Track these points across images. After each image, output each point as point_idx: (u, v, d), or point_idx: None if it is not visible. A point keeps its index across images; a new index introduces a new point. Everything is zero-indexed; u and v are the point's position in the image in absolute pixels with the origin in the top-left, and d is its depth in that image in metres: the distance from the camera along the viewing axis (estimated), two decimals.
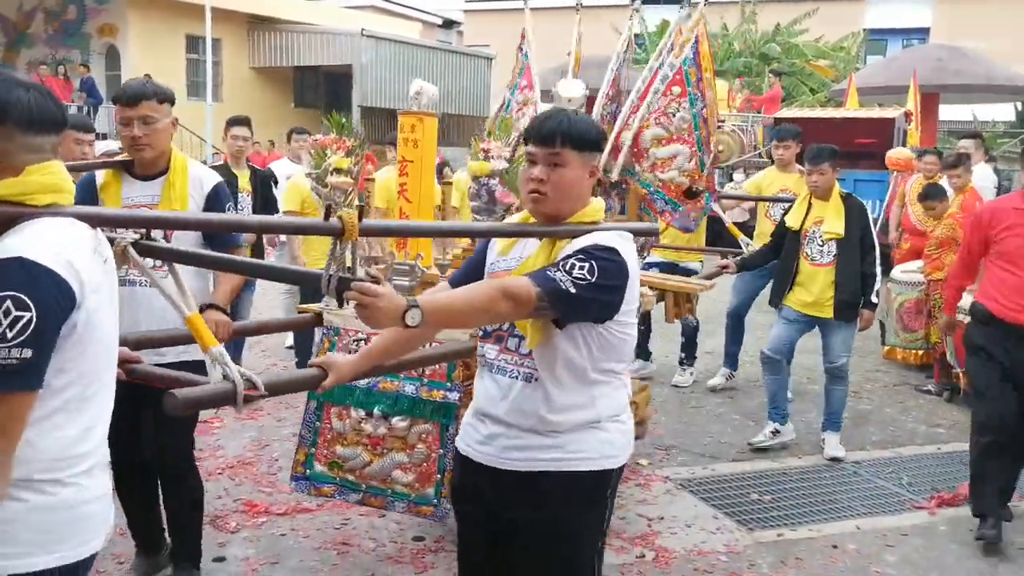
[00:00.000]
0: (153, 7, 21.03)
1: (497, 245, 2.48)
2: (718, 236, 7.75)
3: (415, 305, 1.98)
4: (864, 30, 27.51)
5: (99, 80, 20.31)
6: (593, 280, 2.15)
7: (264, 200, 6.21)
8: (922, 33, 31.44)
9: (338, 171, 3.67)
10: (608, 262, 2.20)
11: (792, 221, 5.33)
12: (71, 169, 2.58)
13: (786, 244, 5.34)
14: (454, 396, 3.50)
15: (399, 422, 3.54)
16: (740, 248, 5.74)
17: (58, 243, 1.76)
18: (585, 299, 2.15)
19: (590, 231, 2.29)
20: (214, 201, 3.37)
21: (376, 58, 23.16)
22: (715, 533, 4.22)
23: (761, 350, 5.49)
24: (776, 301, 5.42)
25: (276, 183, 6.49)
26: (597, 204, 2.40)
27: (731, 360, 6.84)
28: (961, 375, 6.05)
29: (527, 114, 4.69)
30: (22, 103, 1.77)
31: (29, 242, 1.72)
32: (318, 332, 2.67)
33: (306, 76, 25.71)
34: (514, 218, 2.69)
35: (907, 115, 12.80)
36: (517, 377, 2.30)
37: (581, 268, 2.16)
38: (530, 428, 2.28)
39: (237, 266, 3.08)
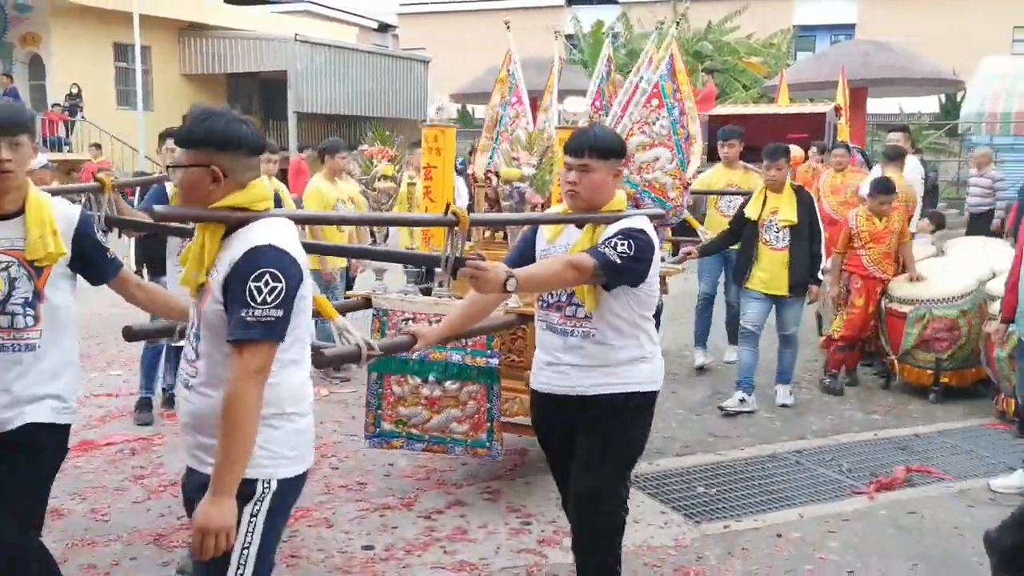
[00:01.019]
0: (78, 15, 20.51)
1: (545, 234, 3.26)
2: (679, 226, 7.95)
3: (512, 276, 2.69)
4: (793, 27, 28.05)
5: (23, 90, 19.73)
6: (632, 253, 2.93)
7: None
8: (849, 29, 32.20)
9: (384, 177, 4.31)
10: (641, 240, 2.98)
11: (751, 212, 6.09)
12: (134, 184, 3.89)
13: (746, 232, 6.12)
14: (495, 361, 4.22)
15: (451, 385, 4.26)
16: (698, 237, 6.27)
17: (288, 236, 2.37)
18: (627, 267, 2.94)
19: (622, 217, 3.07)
20: None
21: (311, 63, 22.95)
22: (663, 528, 4.27)
23: (741, 325, 6.23)
24: (740, 281, 6.23)
25: None
26: (620, 196, 3.16)
27: (702, 341, 7.38)
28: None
29: (520, 125, 5.33)
30: (247, 135, 2.34)
31: (271, 234, 2.32)
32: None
33: (240, 83, 25.34)
34: (555, 209, 3.45)
35: (837, 109, 13.09)
36: (576, 335, 3.09)
37: (622, 245, 2.93)
38: (594, 367, 3.07)
39: (370, 253, 4.15)
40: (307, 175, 13.46)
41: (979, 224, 11.65)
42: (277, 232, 2.35)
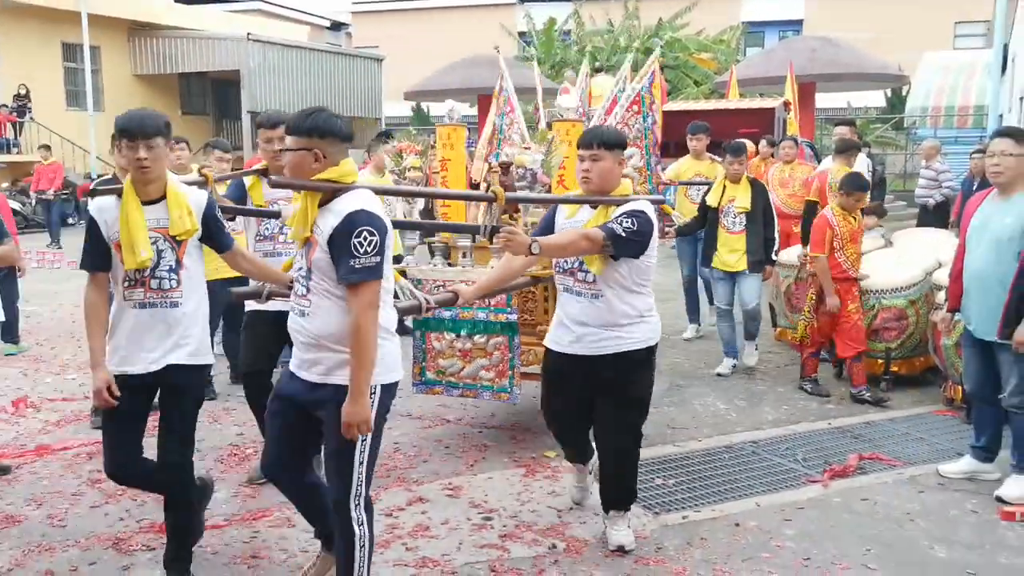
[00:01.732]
0: (25, 14, 20.11)
1: (564, 212, 4.00)
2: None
3: (536, 242, 3.53)
4: (742, 23, 28.38)
5: None
6: (635, 229, 3.66)
7: None
8: (796, 25, 32.66)
9: (413, 168, 5.35)
10: (643, 219, 3.71)
11: (711, 200, 6.93)
12: (226, 178, 4.78)
13: (708, 218, 6.96)
14: (514, 317, 5.01)
15: (479, 338, 5.06)
16: (672, 221, 7.22)
17: (374, 202, 3.13)
18: (631, 240, 3.66)
19: (627, 201, 3.82)
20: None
21: (264, 62, 22.73)
22: None
23: (716, 304, 7.32)
24: (707, 262, 7.13)
25: None
26: (626, 184, 3.97)
27: (694, 317, 8.35)
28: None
29: (516, 130, 6.09)
30: (340, 127, 3.11)
31: (362, 201, 3.06)
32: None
33: (192, 83, 25.04)
34: (573, 194, 4.22)
35: (786, 104, 13.30)
36: (586, 296, 3.81)
37: (627, 222, 3.66)
38: (601, 326, 3.79)
39: (416, 225, 5.53)
40: None
41: (927, 215, 11.88)
42: (366, 200, 3.09)
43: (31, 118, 19.88)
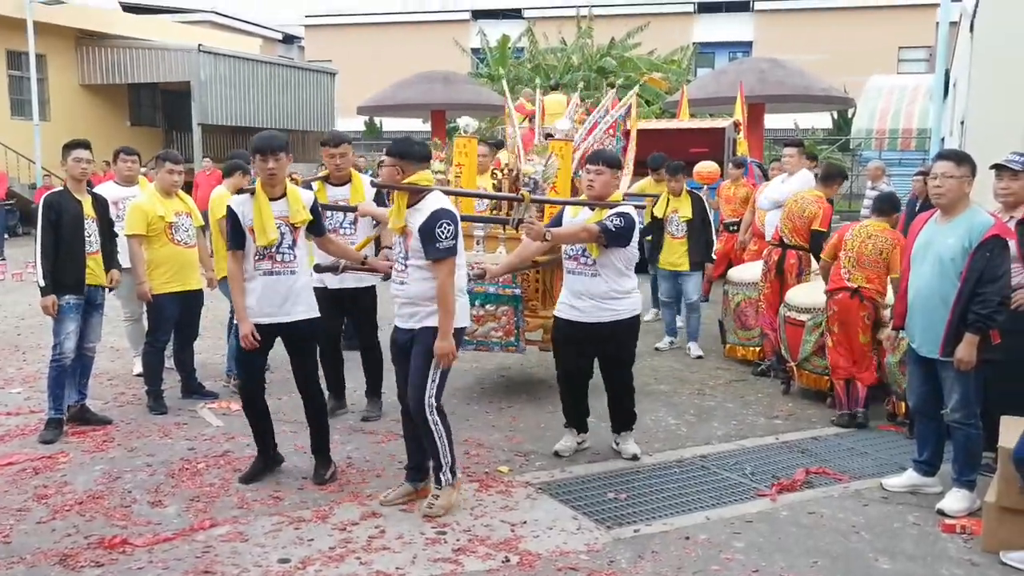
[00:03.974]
0: None
1: (570, 212, 5.32)
2: None
3: (548, 231, 4.96)
4: (693, 44, 28.79)
5: None
6: (623, 225, 4.94)
7: (108, 225, 5.99)
8: (746, 47, 33.27)
9: (438, 172, 5.76)
10: (627, 218, 4.99)
11: (658, 211, 8.37)
12: (304, 182, 5.98)
13: (654, 226, 8.41)
14: (518, 291, 6.32)
15: (490, 307, 6.36)
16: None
17: (448, 201, 4.49)
18: (619, 234, 4.94)
19: (617, 205, 5.07)
20: (377, 200, 5.82)
21: (215, 74, 22.52)
22: (575, 533, 4.35)
23: (660, 297, 8.75)
24: (653, 262, 8.61)
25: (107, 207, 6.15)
26: (618, 193, 5.26)
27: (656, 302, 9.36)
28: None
29: (513, 142, 7.26)
30: (415, 151, 4.52)
31: (440, 201, 4.44)
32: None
33: (142, 93, 24.68)
34: (578, 198, 5.61)
35: (736, 125, 13.51)
36: (587, 275, 5.09)
37: (617, 220, 4.95)
38: (600, 297, 5.07)
39: (471, 219, 6.41)
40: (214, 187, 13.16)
41: None
42: (442, 200, 4.45)
43: None
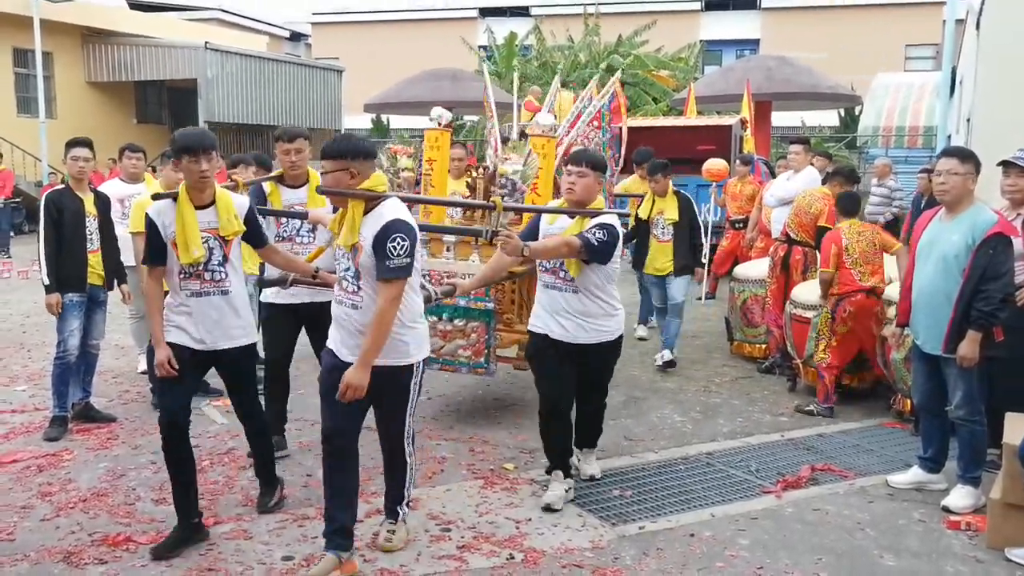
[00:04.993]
0: None
1: (546, 220, 4.73)
2: None
3: (527, 246, 4.22)
4: (700, 42, 28.72)
5: None
6: (605, 239, 4.36)
7: (108, 226, 5.98)
8: (753, 44, 33.20)
9: (406, 169, 5.77)
10: (611, 231, 4.40)
11: (642, 213, 7.62)
12: (250, 183, 5.28)
13: (639, 229, 7.66)
14: (491, 305, 5.66)
15: (459, 322, 5.69)
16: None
17: (405, 211, 3.76)
18: (601, 249, 4.37)
19: (600, 214, 4.48)
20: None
21: (222, 72, 22.51)
22: (580, 531, 4.35)
23: (654, 304, 8.00)
24: (638, 267, 7.89)
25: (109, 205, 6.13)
26: (601, 199, 4.65)
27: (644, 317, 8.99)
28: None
29: (493, 137, 6.60)
30: (366, 148, 3.78)
31: (396, 210, 3.71)
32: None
33: (148, 91, 24.71)
34: (556, 203, 4.97)
35: (743, 122, 13.47)
36: (566, 291, 4.53)
37: (600, 233, 4.36)
38: (578, 314, 4.52)
39: (438, 229, 5.75)
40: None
41: None
42: (398, 209, 3.73)
43: None
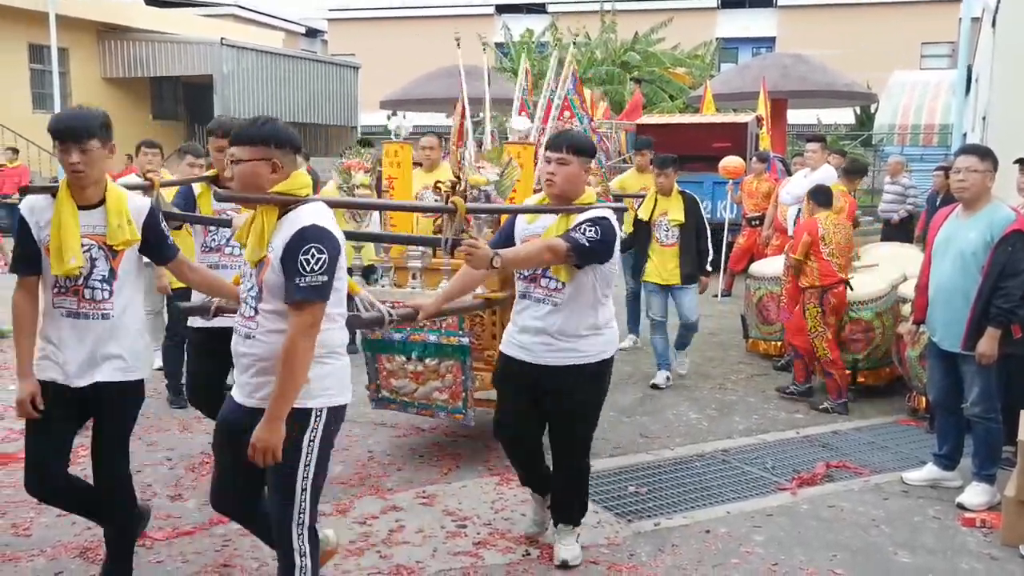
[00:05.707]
0: None
1: (524, 218, 3.88)
2: None
3: (497, 255, 3.33)
4: (717, 39, 28.65)
5: None
6: (599, 238, 3.53)
7: None
8: (769, 42, 33.05)
9: (362, 186, 4.96)
10: (605, 226, 3.58)
11: (643, 213, 6.86)
12: (172, 184, 4.56)
13: (640, 231, 6.88)
14: (466, 340, 4.79)
15: (430, 362, 4.91)
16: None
17: (328, 217, 2.91)
18: (594, 249, 3.53)
19: (590, 208, 3.68)
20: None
21: (238, 68, 22.57)
22: (596, 527, 4.35)
23: (649, 316, 7.06)
24: (639, 274, 7.15)
25: None
26: (590, 192, 3.81)
27: (634, 328, 8.26)
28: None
29: (466, 140, 6.06)
30: (294, 136, 2.93)
31: (315, 215, 2.85)
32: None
33: (164, 87, 24.79)
34: (535, 198, 4.07)
35: (758, 120, 13.44)
36: (547, 303, 3.66)
37: (591, 230, 3.53)
38: (557, 334, 3.65)
39: (374, 237, 5.14)
40: None
41: (891, 230, 12.09)
42: (318, 214, 2.89)
43: None
